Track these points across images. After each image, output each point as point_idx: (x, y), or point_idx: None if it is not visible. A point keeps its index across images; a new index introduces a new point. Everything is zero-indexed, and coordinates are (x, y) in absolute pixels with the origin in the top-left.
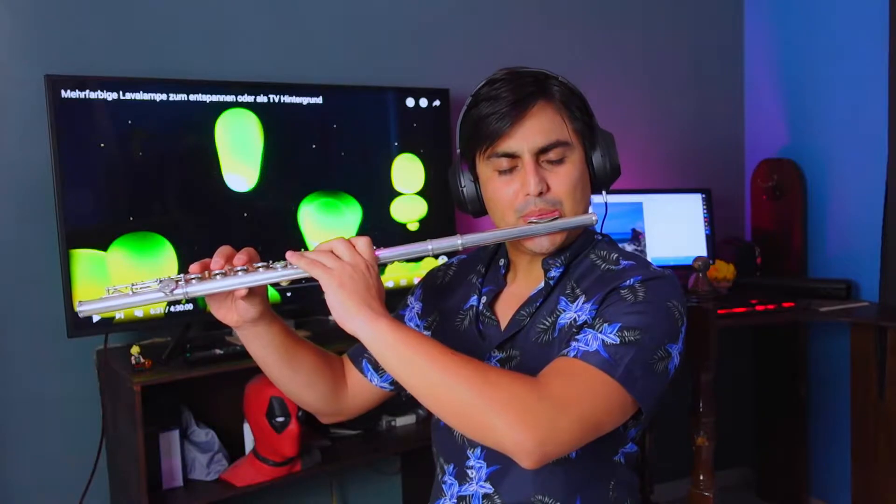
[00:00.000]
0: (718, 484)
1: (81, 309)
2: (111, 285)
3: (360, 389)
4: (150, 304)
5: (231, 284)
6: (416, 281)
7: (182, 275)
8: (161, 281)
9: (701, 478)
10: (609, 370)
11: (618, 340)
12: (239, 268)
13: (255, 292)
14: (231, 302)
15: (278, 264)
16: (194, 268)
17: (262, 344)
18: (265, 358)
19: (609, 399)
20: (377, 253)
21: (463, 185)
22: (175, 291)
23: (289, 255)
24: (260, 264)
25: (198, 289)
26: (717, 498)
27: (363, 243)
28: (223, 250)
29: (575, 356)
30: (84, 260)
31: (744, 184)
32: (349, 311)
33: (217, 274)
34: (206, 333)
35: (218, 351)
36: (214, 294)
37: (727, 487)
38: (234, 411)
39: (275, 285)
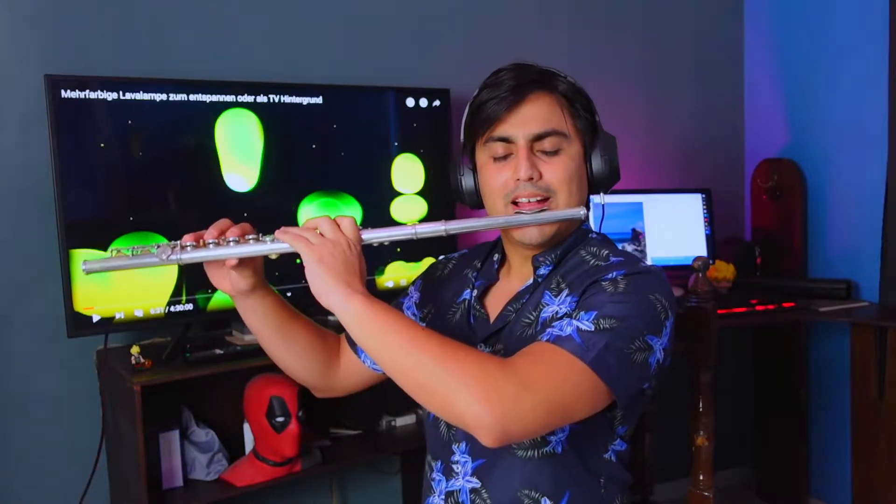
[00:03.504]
0: (718, 484)
1: (86, 267)
2: (114, 248)
3: (353, 369)
4: (148, 266)
5: (221, 254)
6: None
7: (177, 242)
8: (159, 246)
9: (701, 478)
10: (580, 354)
11: (592, 328)
12: (231, 238)
13: (247, 264)
14: (225, 271)
15: (267, 238)
16: (188, 237)
17: (257, 315)
18: (259, 329)
19: (579, 384)
20: (361, 234)
21: (461, 175)
22: (170, 257)
23: (277, 231)
24: (251, 236)
25: (191, 256)
26: (717, 498)
27: (347, 223)
28: (220, 223)
29: (548, 340)
30: (84, 260)
31: (744, 184)
32: (326, 285)
33: (210, 243)
34: (206, 333)
35: (218, 351)
36: (209, 262)
37: (727, 487)
38: (234, 411)
39: (277, 287)
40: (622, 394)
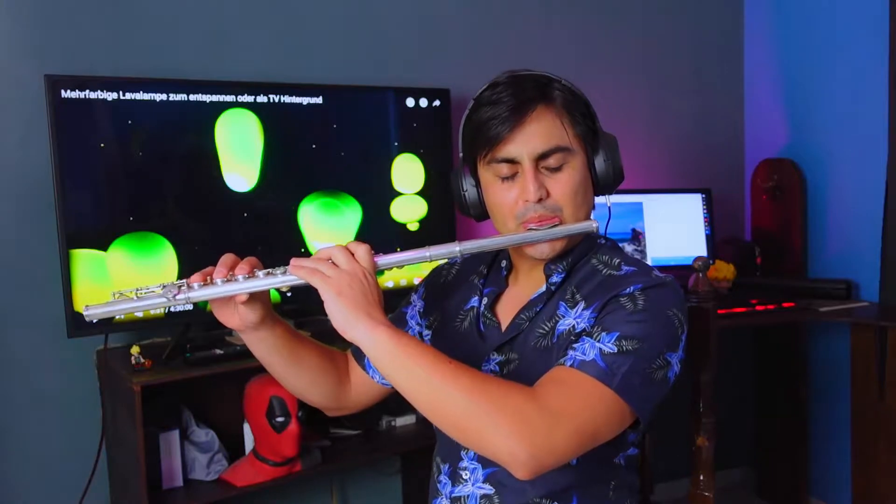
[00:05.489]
0: (718, 484)
1: (88, 313)
2: (116, 290)
3: (363, 386)
4: (154, 308)
5: (232, 290)
6: (416, 282)
7: (185, 280)
8: (164, 286)
9: (701, 478)
10: (606, 380)
11: (615, 349)
12: (240, 274)
13: (257, 298)
14: (233, 307)
15: (278, 270)
16: (196, 277)
17: (266, 347)
18: (269, 360)
19: (606, 409)
20: (376, 260)
21: (465, 190)
22: (178, 297)
23: (291, 262)
24: (261, 271)
25: (200, 294)
26: (717, 498)
27: (362, 251)
28: (225, 259)
29: (572, 365)
30: (84, 260)
31: (744, 184)
32: (348, 320)
33: (219, 279)
34: (206, 333)
35: (218, 351)
36: (217, 299)
37: (727, 487)
38: (234, 411)
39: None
40: (646, 412)
